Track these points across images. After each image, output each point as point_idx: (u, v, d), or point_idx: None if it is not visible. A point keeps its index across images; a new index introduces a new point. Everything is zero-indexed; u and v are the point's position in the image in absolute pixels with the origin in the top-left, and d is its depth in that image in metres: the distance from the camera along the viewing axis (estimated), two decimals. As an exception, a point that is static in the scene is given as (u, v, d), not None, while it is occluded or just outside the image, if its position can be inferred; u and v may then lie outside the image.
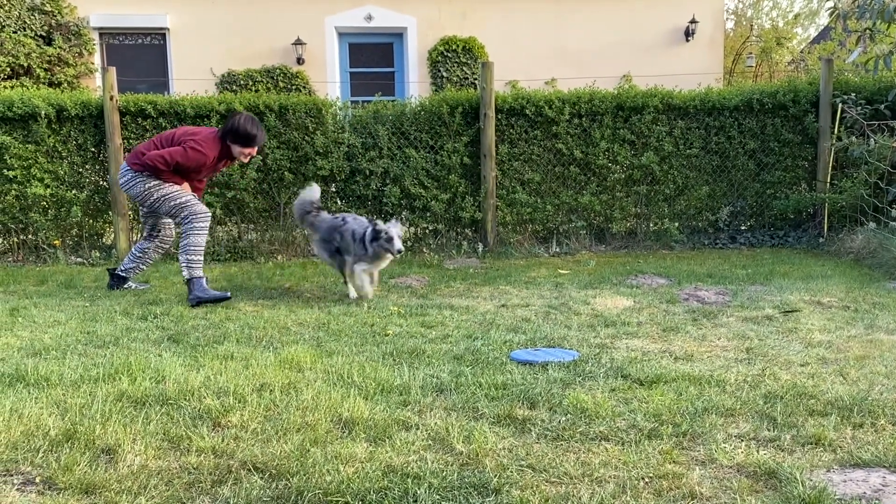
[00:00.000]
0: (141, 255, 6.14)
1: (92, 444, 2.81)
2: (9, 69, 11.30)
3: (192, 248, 5.61)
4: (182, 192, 5.68)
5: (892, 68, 7.85)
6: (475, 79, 12.36)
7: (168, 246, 6.27)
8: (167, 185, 5.65)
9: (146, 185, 5.64)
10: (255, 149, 5.69)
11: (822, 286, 5.86)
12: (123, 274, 6.16)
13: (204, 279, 5.64)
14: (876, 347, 4.11)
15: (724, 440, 2.82)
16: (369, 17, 12.82)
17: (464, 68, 12.63)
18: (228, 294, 5.63)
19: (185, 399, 3.29)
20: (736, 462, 2.64)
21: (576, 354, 3.98)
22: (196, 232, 5.64)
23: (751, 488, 2.45)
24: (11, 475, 2.60)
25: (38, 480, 2.56)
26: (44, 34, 11.79)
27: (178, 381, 3.51)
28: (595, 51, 13.06)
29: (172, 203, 5.65)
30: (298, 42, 12.53)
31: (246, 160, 5.77)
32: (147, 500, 2.40)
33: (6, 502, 2.41)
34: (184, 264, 5.61)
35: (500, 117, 8.14)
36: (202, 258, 5.67)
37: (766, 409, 3.12)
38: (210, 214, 5.75)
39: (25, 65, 11.38)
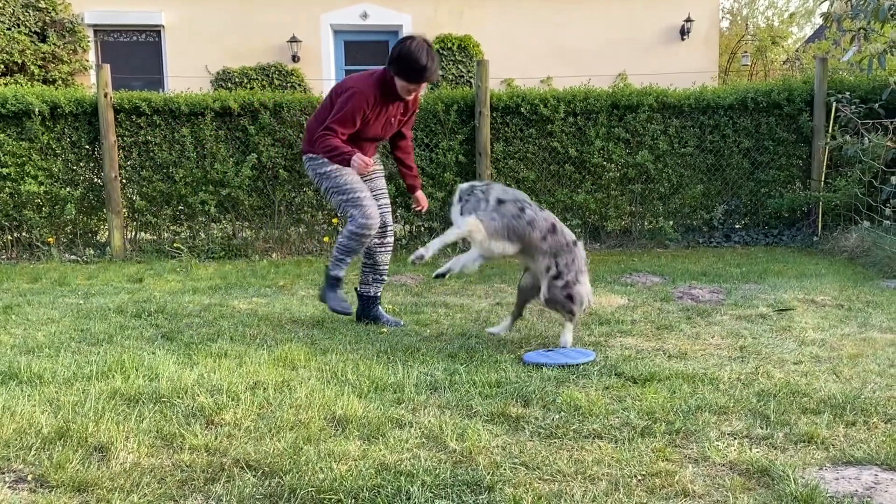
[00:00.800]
0: (370, 262, 4.93)
1: (84, 441, 2.80)
2: (3, 66, 11.26)
3: (343, 248, 4.66)
4: (353, 187, 4.60)
5: (886, 67, 7.87)
6: (471, 77, 12.36)
7: (385, 228, 4.89)
8: (336, 172, 4.61)
9: (316, 171, 4.71)
10: (422, 86, 4.48)
11: (816, 284, 5.87)
12: (372, 294, 4.93)
13: (340, 283, 4.80)
14: (869, 346, 4.12)
15: (717, 438, 2.82)
16: (365, 15, 12.81)
17: (459, 66, 12.63)
18: (351, 311, 4.84)
19: (179, 397, 3.28)
20: (729, 460, 2.64)
21: (591, 355, 3.92)
22: (350, 237, 4.59)
23: (743, 486, 2.45)
24: (3, 473, 2.59)
25: (30, 478, 2.55)
26: (38, 31, 11.74)
27: (171, 379, 3.50)
28: (591, 49, 13.06)
29: (339, 198, 4.62)
30: (294, 40, 12.51)
31: (410, 97, 4.56)
32: (139, 498, 2.39)
33: (-2, 500, 2.41)
34: (331, 259, 4.74)
35: (495, 115, 8.14)
36: (349, 259, 4.68)
37: (759, 407, 3.12)
38: (377, 221, 4.58)
39: (20, 62, 11.34)
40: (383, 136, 4.78)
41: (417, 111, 4.79)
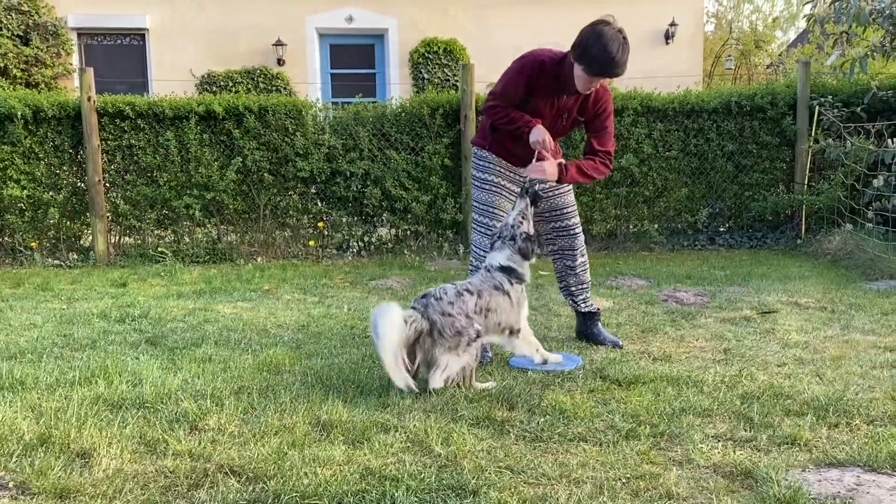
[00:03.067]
0: (564, 285, 4.49)
1: (67, 448, 2.78)
2: (-15, 69, 11.17)
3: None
4: (488, 210, 4.17)
5: (868, 71, 7.94)
6: (456, 80, 12.37)
7: (573, 252, 4.40)
8: (481, 184, 4.19)
9: (472, 170, 4.29)
10: (601, 81, 3.93)
11: (800, 287, 5.91)
12: (583, 310, 4.43)
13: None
14: (852, 348, 4.16)
15: (701, 440, 2.83)
16: (350, 19, 12.80)
17: (445, 70, 12.64)
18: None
19: (163, 402, 3.26)
20: (713, 462, 2.65)
21: (578, 361, 3.92)
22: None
23: (727, 488, 2.46)
24: (-16, 480, 2.57)
25: (11, 485, 2.53)
26: (21, 34, 11.65)
27: (155, 385, 3.48)
28: (576, 53, 13.10)
29: (472, 215, 4.27)
30: (279, 43, 12.49)
31: (587, 91, 3.93)
32: (122, 505, 2.38)
33: (-21, 508, 2.39)
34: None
35: (480, 119, 8.14)
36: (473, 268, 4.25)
37: (742, 410, 3.14)
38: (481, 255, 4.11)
39: (2, 65, 11.24)
40: (552, 131, 3.97)
41: (607, 121, 4.13)
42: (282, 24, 12.58)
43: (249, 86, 12.20)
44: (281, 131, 7.97)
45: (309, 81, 12.56)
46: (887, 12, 7.04)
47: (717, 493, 2.42)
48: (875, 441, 2.80)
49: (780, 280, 6.28)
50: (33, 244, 7.83)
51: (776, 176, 8.60)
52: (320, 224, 8.16)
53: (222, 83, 12.25)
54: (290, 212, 8.11)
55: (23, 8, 11.67)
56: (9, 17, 11.46)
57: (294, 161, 7.95)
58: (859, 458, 2.65)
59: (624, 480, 2.52)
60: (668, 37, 13.38)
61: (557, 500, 2.38)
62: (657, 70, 12.55)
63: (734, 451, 2.73)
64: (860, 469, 2.59)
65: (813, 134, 8.34)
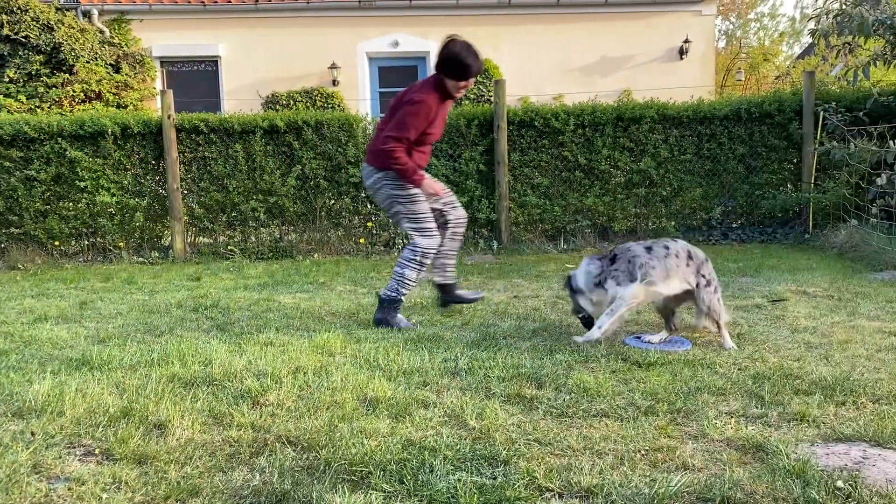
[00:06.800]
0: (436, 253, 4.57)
1: (146, 419, 2.78)
2: (82, 94, 11.38)
3: (405, 279, 4.43)
4: (422, 205, 4.39)
5: (870, 78, 7.67)
6: (490, 95, 12.28)
7: (462, 229, 4.70)
8: (411, 193, 4.35)
9: (389, 192, 4.38)
10: (471, 81, 4.25)
11: (808, 277, 5.72)
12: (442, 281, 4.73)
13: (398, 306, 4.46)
14: (857, 332, 3.99)
15: (715, 417, 2.73)
16: (396, 44, 12.79)
17: (480, 87, 12.56)
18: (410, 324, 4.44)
19: (229, 380, 3.25)
20: (726, 437, 2.55)
21: (688, 344, 3.83)
22: (413, 266, 4.41)
23: (739, 460, 2.37)
24: (74, 447, 2.59)
25: (97, 451, 2.54)
26: (113, 63, 11.86)
27: (223, 365, 3.48)
28: (598, 69, 12.93)
29: (410, 216, 4.40)
30: (334, 66, 12.54)
31: (459, 95, 4.30)
32: (192, 470, 2.37)
33: (69, 471, 2.40)
34: (392, 286, 4.43)
35: (511, 129, 8.07)
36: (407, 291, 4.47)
37: (754, 389, 3.03)
38: (435, 244, 4.42)
39: (97, 90, 11.46)
40: (441, 129, 4.48)
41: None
42: (336, 49, 12.63)
43: (308, 104, 12.26)
44: (335, 143, 7.98)
45: (359, 98, 12.59)
46: (889, 23, 6.77)
47: (729, 465, 2.32)
48: (880, 418, 2.67)
49: (789, 271, 6.08)
50: (121, 244, 7.97)
51: (784, 176, 8.36)
52: (369, 224, 8.15)
53: (284, 102, 12.34)
54: (344, 213, 8.13)
55: (114, 41, 11.89)
56: (103, 48, 11.69)
57: (346, 168, 7.96)
58: (865, 434, 2.53)
59: (643, 452, 2.44)
60: (682, 53, 13.10)
61: (581, 469, 2.31)
62: (673, 83, 12.31)
63: (746, 427, 2.63)
64: (866, 443, 2.47)
65: (818, 137, 8.08)
